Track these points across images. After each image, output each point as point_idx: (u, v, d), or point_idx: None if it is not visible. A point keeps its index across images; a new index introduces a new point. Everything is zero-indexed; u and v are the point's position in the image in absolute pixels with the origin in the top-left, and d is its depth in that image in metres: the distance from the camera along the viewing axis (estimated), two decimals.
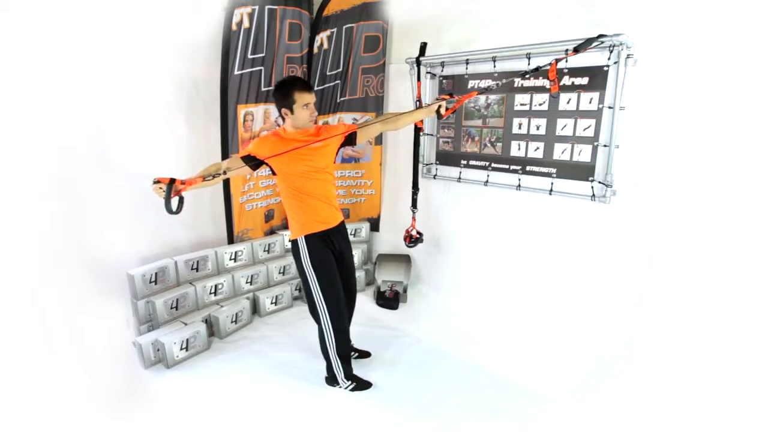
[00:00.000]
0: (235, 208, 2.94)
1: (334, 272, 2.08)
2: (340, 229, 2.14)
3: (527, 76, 2.21)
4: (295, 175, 1.95)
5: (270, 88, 2.94)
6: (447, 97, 2.11)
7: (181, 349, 2.41)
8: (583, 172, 2.38)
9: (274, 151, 1.88)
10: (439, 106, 2.09)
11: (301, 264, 2.05)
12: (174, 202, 1.71)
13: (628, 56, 2.09)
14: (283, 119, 1.98)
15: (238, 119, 2.80)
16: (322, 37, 3.09)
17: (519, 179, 2.66)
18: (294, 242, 2.06)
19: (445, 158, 3.05)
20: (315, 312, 2.10)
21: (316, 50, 3.11)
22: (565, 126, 2.42)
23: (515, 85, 2.58)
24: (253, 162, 1.93)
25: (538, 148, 2.55)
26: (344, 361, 2.17)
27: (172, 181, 1.69)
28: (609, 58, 2.18)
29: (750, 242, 1.88)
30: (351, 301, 2.27)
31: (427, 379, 2.30)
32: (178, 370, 2.37)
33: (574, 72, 2.32)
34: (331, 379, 2.22)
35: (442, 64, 2.89)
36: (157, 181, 1.69)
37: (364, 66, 3.26)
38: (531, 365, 2.38)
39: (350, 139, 2.12)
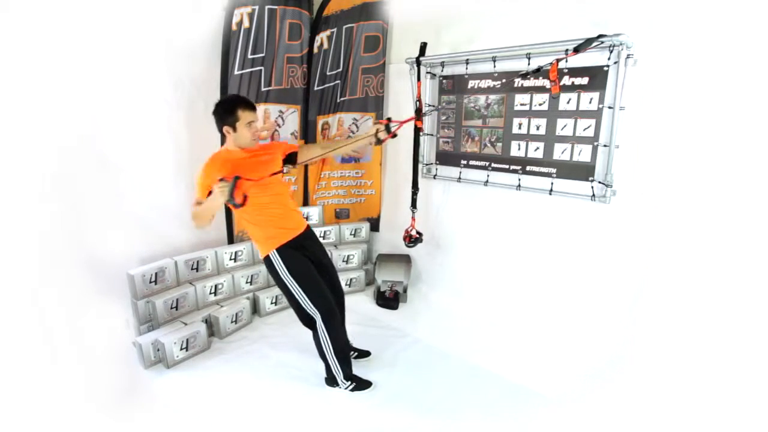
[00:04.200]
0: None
1: (315, 274, 2.07)
2: (308, 233, 2.14)
3: (528, 76, 2.21)
4: (249, 188, 1.90)
5: (270, 88, 2.95)
6: (386, 122, 2.01)
7: (181, 349, 2.41)
8: (583, 172, 2.38)
9: (226, 173, 1.84)
10: (377, 131, 2.01)
11: (279, 278, 2.02)
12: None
13: (628, 56, 2.08)
14: (224, 139, 1.95)
15: None
16: (322, 37, 3.09)
17: (519, 179, 2.65)
18: (266, 259, 2.03)
19: (445, 158, 3.05)
20: (307, 319, 2.09)
21: (316, 50, 3.11)
22: (565, 126, 2.42)
23: (515, 85, 2.58)
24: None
25: (538, 148, 2.55)
26: (343, 362, 2.16)
27: (236, 178, 1.80)
28: (609, 58, 2.18)
29: (750, 242, 1.88)
30: (339, 299, 2.26)
31: (427, 379, 2.30)
32: (178, 370, 2.37)
33: (574, 72, 2.32)
34: (331, 380, 2.21)
35: (442, 64, 2.88)
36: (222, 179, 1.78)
37: (364, 66, 3.26)
38: (531, 365, 2.38)
39: (291, 158, 2.13)
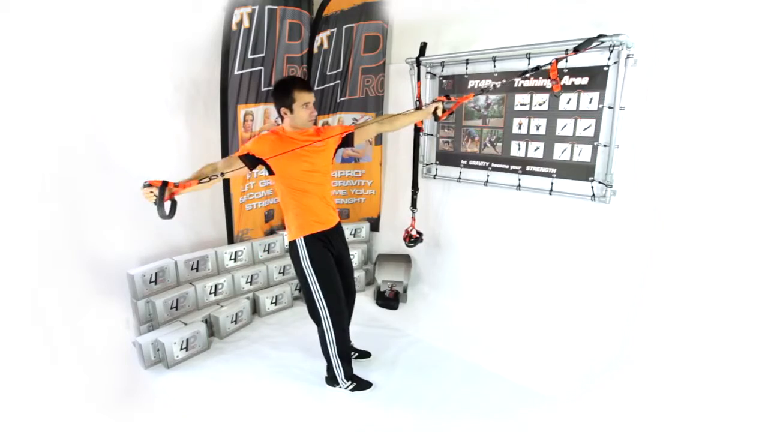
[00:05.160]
0: (235, 208, 2.94)
1: (334, 272, 2.08)
2: (338, 230, 2.14)
3: (528, 75, 2.21)
4: (293, 175, 1.94)
5: (270, 87, 2.94)
6: (444, 99, 2.08)
7: (181, 349, 2.41)
8: (583, 172, 2.38)
9: (274, 150, 1.86)
10: (436, 108, 2.08)
11: (300, 265, 2.04)
12: (167, 206, 1.60)
13: (628, 56, 2.08)
14: (282, 119, 1.97)
15: (238, 119, 2.80)
16: (322, 37, 3.09)
17: (519, 179, 2.65)
18: (292, 243, 2.04)
19: (445, 158, 3.05)
20: (315, 313, 2.09)
21: (316, 50, 3.11)
22: (565, 126, 2.42)
23: (515, 85, 2.58)
24: (252, 161, 1.89)
25: (538, 148, 2.55)
26: (344, 361, 2.17)
27: (165, 183, 1.58)
28: (609, 58, 2.18)
29: (750, 242, 1.88)
30: (350, 301, 2.27)
31: (427, 379, 2.30)
32: (178, 370, 2.37)
33: (574, 72, 2.32)
34: (331, 379, 2.22)
35: (442, 64, 2.88)
36: (148, 184, 1.58)
37: (364, 66, 3.26)
38: (531, 365, 2.38)
39: (348, 140, 2.12)
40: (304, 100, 1.89)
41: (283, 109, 1.91)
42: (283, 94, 1.89)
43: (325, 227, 2.05)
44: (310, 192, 1.98)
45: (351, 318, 2.30)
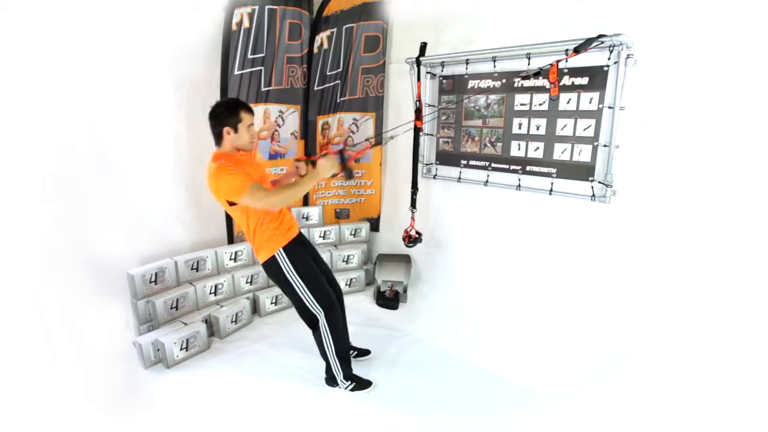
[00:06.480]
0: None
1: (317, 272, 2.09)
2: (301, 233, 2.16)
3: (528, 78, 2.20)
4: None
5: (270, 88, 2.95)
6: (331, 152, 1.95)
7: (181, 349, 2.41)
8: (583, 172, 2.38)
9: (256, 172, 1.93)
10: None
11: (284, 278, 2.00)
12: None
13: (628, 56, 2.08)
14: (220, 140, 1.91)
15: None
16: (322, 37, 3.09)
17: (519, 179, 2.65)
18: (271, 259, 1.99)
19: (445, 158, 3.05)
20: (310, 318, 2.09)
21: (316, 50, 3.11)
22: (565, 126, 2.42)
23: (515, 85, 2.58)
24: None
25: (538, 148, 2.55)
26: (343, 361, 2.17)
27: (342, 150, 1.92)
28: (609, 58, 2.18)
29: (750, 242, 1.88)
30: (338, 294, 2.25)
31: (427, 379, 2.30)
32: (178, 370, 2.37)
33: (574, 72, 2.32)
34: (331, 380, 2.22)
35: (442, 64, 2.88)
36: (324, 154, 1.87)
37: (364, 66, 3.26)
38: (531, 365, 2.38)
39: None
40: (249, 121, 1.91)
41: (227, 128, 1.87)
42: (229, 112, 1.88)
43: (295, 231, 2.07)
44: None
45: (345, 315, 2.28)
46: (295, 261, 2.00)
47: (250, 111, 1.94)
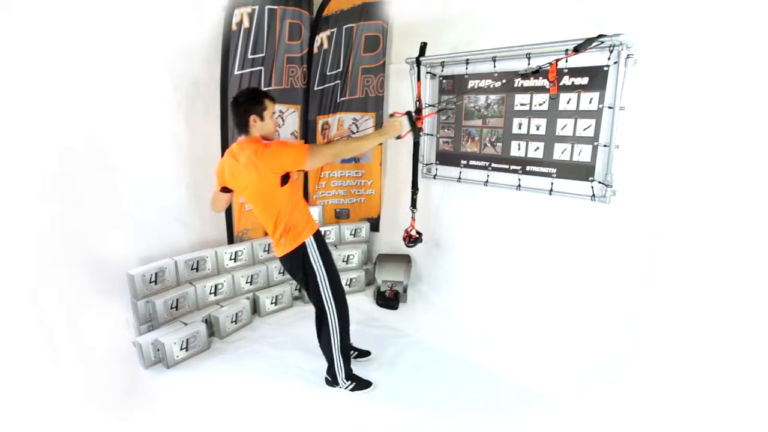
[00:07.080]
0: (235, 208, 2.94)
1: (337, 268, 2.13)
2: None
3: (528, 76, 2.20)
4: (295, 180, 2.00)
5: (270, 88, 2.94)
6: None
7: (181, 349, 2.41)
8: (583, 172, 2.38)
9: None
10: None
11: (310, 265, 2.02)
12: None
13: (628, 56, 2.08)
14: (248, 129, 1.89)
15: None
16: (322, 37, 3.09)
17: (519, 179, 2.65)
18: (301, 246, 1.99)
19: (445, 158, 3.05)
20: (321, 310, 2.10)
21: (316, 50, 3.11)
22: (565, 126, 2.42)
23: (515, 85, 2.58)
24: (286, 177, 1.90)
25: (538, 148, 2.55)
26: (345, 359, 2.17)
27: (409, 112, 1.96)
28: (609, 58, 2.18)
29: (750, 242, 1.88)
30: None
31: (427, 379, 2.30)
32: (178, 370, 2.37)
33: (574, 72, 2.32)
34: (332, 379, 2.22)
35: (442, 64, 2.88)
36: (392, 115, 1.94)
37: (364, 66, 3.26)
38: (531, 365, 2.38)
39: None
40: (272, 109, 1.93)
41: (253, 117, 1.87)
42: (255, 101, 1.88)
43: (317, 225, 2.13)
44: (298, 197, 2.03)
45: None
46: (322, 250, 2.04)
47: (273, 100, 1.95)
